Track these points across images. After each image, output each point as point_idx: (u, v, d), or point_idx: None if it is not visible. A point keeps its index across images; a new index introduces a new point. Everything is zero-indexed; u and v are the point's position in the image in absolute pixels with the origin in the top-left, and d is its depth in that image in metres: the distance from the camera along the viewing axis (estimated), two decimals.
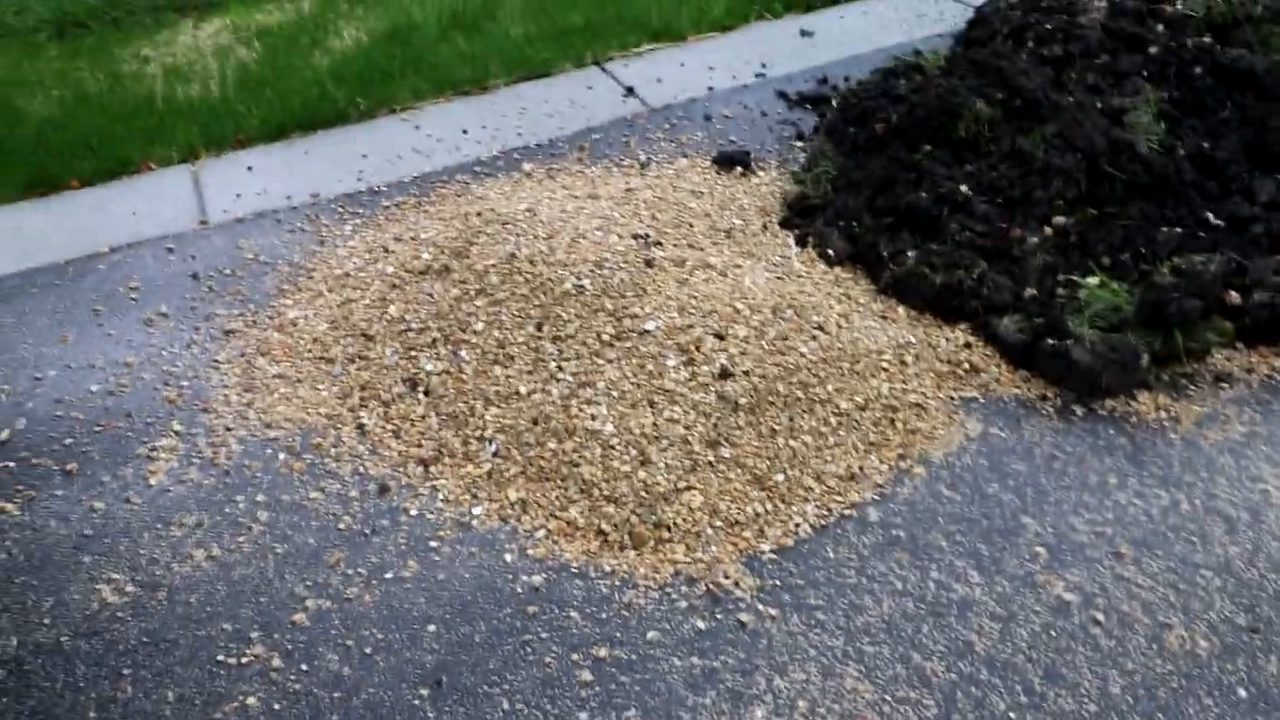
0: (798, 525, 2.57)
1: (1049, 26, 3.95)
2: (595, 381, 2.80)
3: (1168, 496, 2.62)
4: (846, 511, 2.61)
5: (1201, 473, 2.68)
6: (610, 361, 2.84)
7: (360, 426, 2.94)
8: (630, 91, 4.70)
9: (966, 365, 3.02)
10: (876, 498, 2.65)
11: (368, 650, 2.35)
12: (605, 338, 2.89)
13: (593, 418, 2.73)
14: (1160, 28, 3.90)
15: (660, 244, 3.28)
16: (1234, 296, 3.10)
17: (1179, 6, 3.94)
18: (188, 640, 2.41)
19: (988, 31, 4.13)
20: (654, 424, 2.70)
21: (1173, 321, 2.98)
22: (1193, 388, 2.95)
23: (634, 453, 2.66)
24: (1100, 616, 2.33)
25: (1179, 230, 3.29)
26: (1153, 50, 3.75)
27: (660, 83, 4.75)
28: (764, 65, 4.82)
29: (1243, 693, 2.15)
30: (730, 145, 4.17)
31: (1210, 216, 3.33)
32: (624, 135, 4.32)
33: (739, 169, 3.97)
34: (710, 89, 4.66)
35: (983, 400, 2.94)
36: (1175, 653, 2.24)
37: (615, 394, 2.77)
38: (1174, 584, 2.39)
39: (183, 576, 2.56)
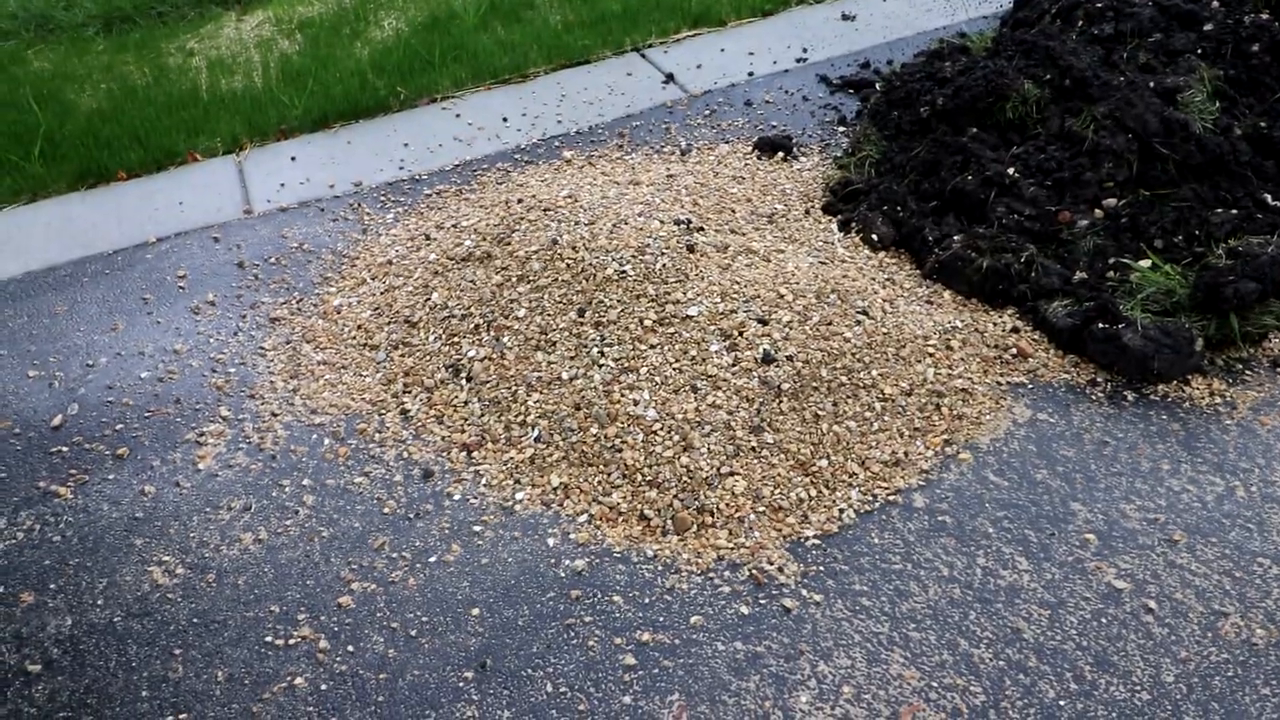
0: (842, 511, 2.55)
1: (1099, 5, 3.86)
2: (638, 367, 2.80)
3: (1223, 483, 2.55)
4: (891, 497, 2.58)
5: (1258, 459, 2.61)
6: (653, 347, 2.83)
7: (404, 412, 2.96)
8: (670, 78, 4.68)
9: (1014, 350, 2.97)
10: (922, 483, 2.62)
11: (413, 633, 2.37)
12: (648, 323, 2.88)
13: (635, 403, 2.73)
14: (1215, 4, 3.79)
15: (702, 229, 3.26)
16: None
17: None
18: (236, 621, 2.44)
19: (1035, 12, 4.04)
20: (696, 409, 2.69)
21: (1228, 305, 2.91)
22: (1249, 373, 2.87)
23: (676, 438, 2.65)
24: (1153, 604, 2.28)
25: (1235, 212, 3.21)
26: (1208, 28, 3.65)
27: (700, 69, 4.72)
28: (805, 50, 4.77)
29: None
30: (771, 130, 4.14)
31: (1268, 198, 3.24)
32: (664, 121, 4.30)
33: (781, 154, 3.93)
34: (750, 74, 4.62)
35: (1031, 385, 2.88)
36: (1231, 641, 2.19)
37: (658, 379, 2.76)
38: (1229, 571, 2.34)
39: (231, 559, 2.60)
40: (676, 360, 2.79)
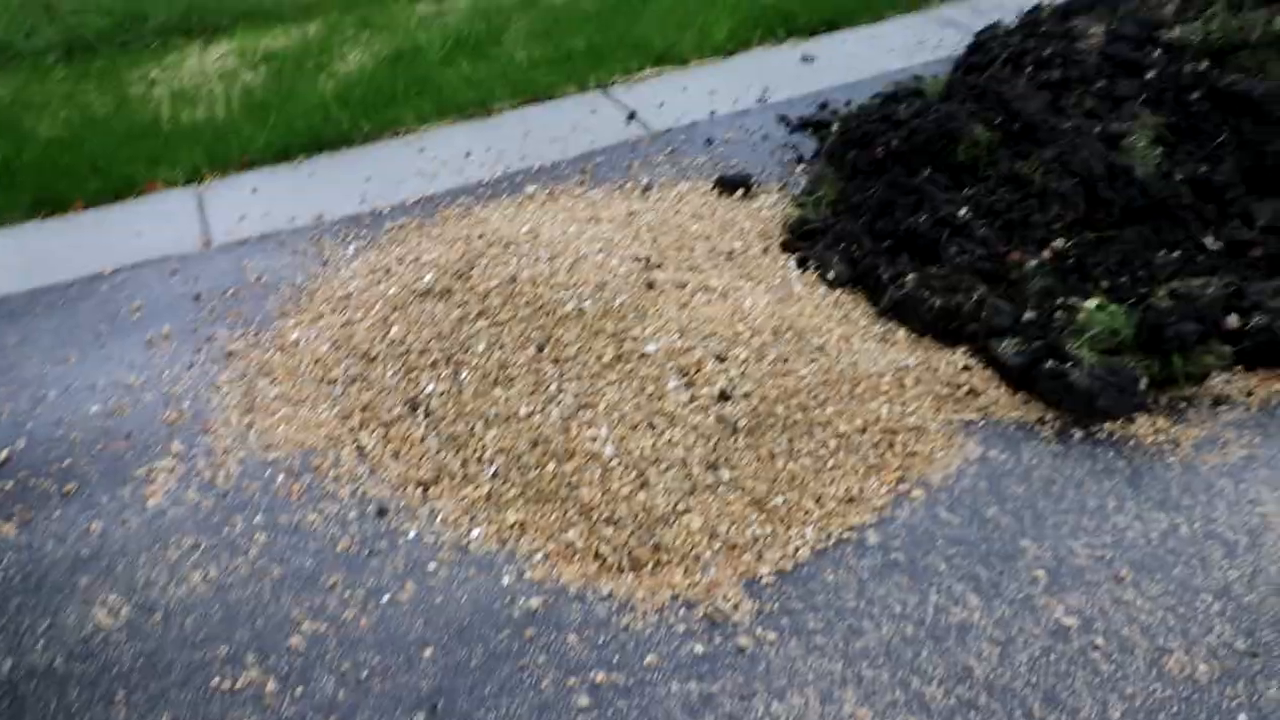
0: (797, 548, 2.56)
1: (1047, 52, 3.99)
2: (596, 403, 2.81)
3: (1166, 520, 2.61)
4: (845, 534, 2.61)
5: (1200, 496, 2.67)
6: (611, 383, 2.85)
7: (360, 448, 2.95)
8: (633, 115, 4.73)
9: (966, 388, 3.02)
10: (876, 520, 2.65)
11: (363, 675, 2.35)
12: (606, 360, 2.90)
13: (593, 439, 2.74)
14: (1157, 53, 3.93)
15: (661, 266, 3.29)
16: (1232, 320, 3.10)
17: (1176, 32, 3.97)
18: (183, 663, 2.40)
19: (987, 57, 4.16)
20: (654, 446, 2.70)
21: (1170, 345, 2.99)
22: (1191, 411, 2.95)
23: (633, 475, 2.66)
24: (1100, 640, 2.32)
25: (1176, 254, 3.30)
26: (1150, 75, 3.78)
27: (662, 107, 4.79)
28: (766, 90, 4.86)
29: (1244, 717, 2.13)
30: (732, 169, 4.20)
31: (1208, 241, 3.34)
32: (626, 159, 4.35)
33: (740, 192, 3.99)
34: (712, 113, 4.69)
35: (982, 423, 2.93)
36: (1175, 677, 2.23)
37: (615, 416, 2.77)
38: (1173, 608, 2.38)
39: (179, 599, 2.55)
40: (634, 397, 2.81)
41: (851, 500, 2.68)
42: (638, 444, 2.71)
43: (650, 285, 3.12)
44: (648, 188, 4.07)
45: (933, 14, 5.44)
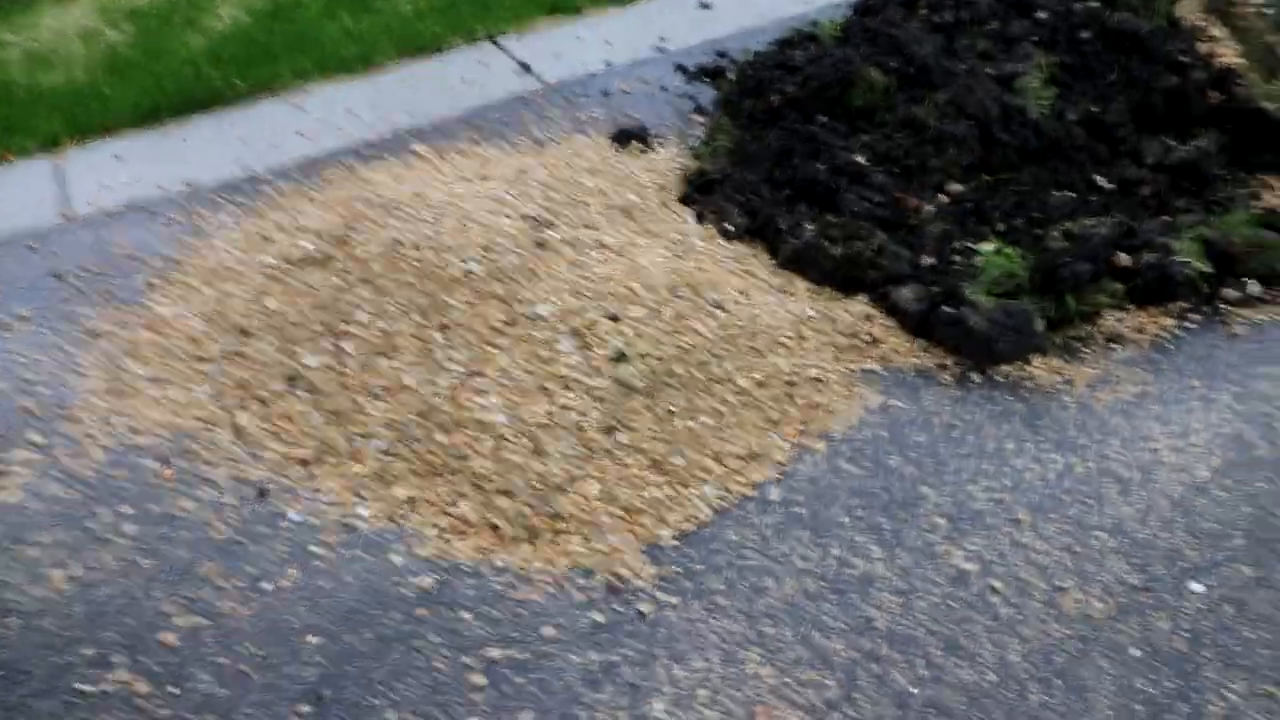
0: (698, 509, 2.50)
1: None
2: (485, 370, 2.68)
3: (1063, 460, 2.62)
4: (748, 492, 2.55)
5: (1095, 435, 2.69)
6: (501, 349, 2.73)
7: (237, 428, 2.77)
8: (525, 68, 4.55)
9: (866, 337, 2.99)
10: (778, 476, 2.60)
11: (243, 668, 2.21)
12: (495, 324, 2.77)
13: (483, 408, 2.62)
14: None
15: (553, 225, 3.16)
16: (1124, 258, 3.12)
17: None
18: (43, 670, 2.22)
19: (882, 0, 4.09)
20: (548, 412, 2.60)
21: (1065, 286, 2.99)
22: (1085, 350, 2.96)
23: (527, 443, 2.55)
24: (998, 584, 2.32)
25: (1071, 194, 3.31)
26: (1042, 15, 3.77)
27: (557, 58, 4.61)
28: (662, 39, 4.71)
29: (1136, 652, 2.15)
30: (629, 121, 4.06)
31: (1100, 180, 3.35)
32: (519, 113, 4.17)
33: (637, 145, 3.86)
34: (608, 64, 4.53)
35: (883, 372, 2.90)
36: (1071, 616, 2.24)
37: (506, 383, 2.65)
38: (1069, 547, 2.39)
39: (38, 600, 2.37)
40: (526, 362, 2.69)
41: (753, 457, 2.62)
42: (531, 411, 2.60)
43: (541, 245, 2.99)
44: (541, 143, 3.91)
45: None
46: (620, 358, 2.70)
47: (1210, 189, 3.32)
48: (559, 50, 4.66)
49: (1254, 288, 3.08)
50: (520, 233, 3.05)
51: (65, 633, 2.29)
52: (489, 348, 2.74)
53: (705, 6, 4.98)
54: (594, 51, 4.64)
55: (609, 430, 2.58)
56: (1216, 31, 3.85)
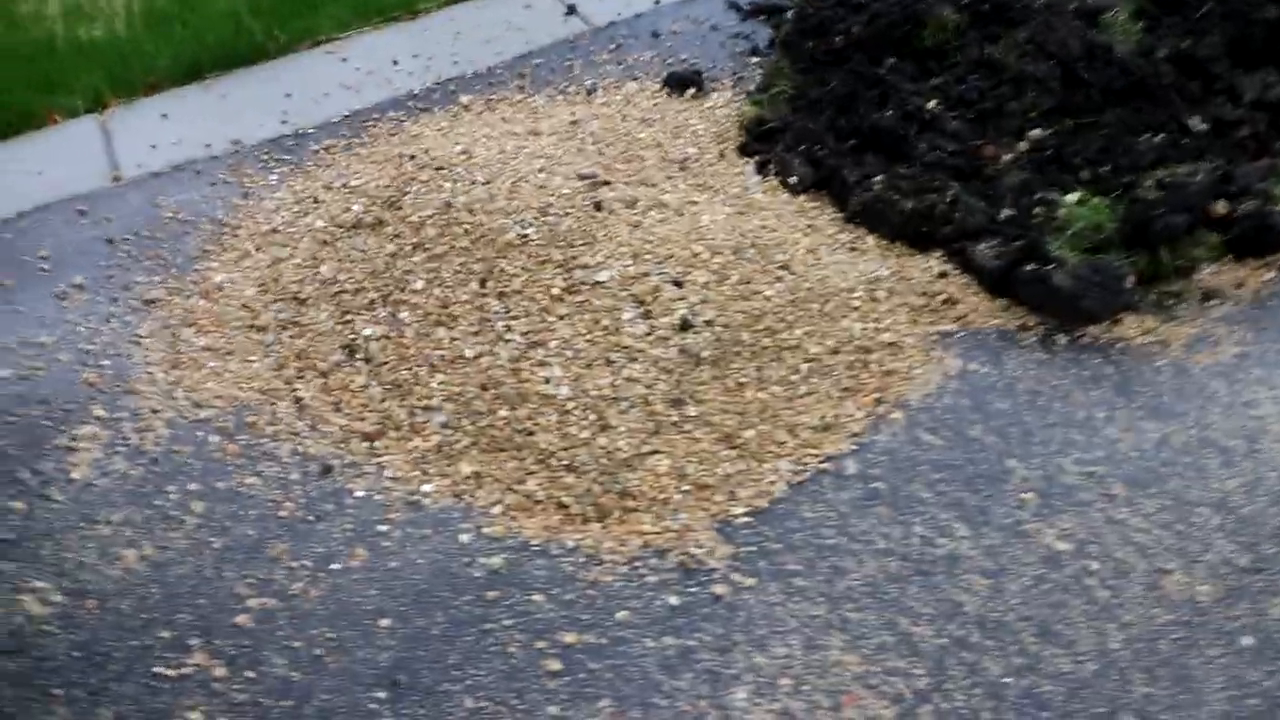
0: (772, 484, 2.41)
1: None
2: (547, 341, 2.59)
3: (1159, 429, 2.48)
4: (823, 465, 2.45)
5: (1194, 401, 2.54)
6: (562, 318, 2.63)
7: (298, 400, 2.72)
8: (572, 9, 4.36)
9: (942, 297, 2.84)
10: (854, 448, 2.49)
11: (318, 652, 2.19)
12: (555, 292, 2.67)
13: (546, 380, 2.53)
14: None
15: (609, 183, 3.03)
16: (1220, 207, 2.92)
17: None
18: (122, 652, 2.22)
19: None
20: (612, 384, 2.51)
21: (1158, 239, 2.81)
22: (1180, 307, 2.79)
23: (592, 417, 2.47)
24: (1095, 565, 2.21)
25: (1159, 138, 3.09)
26: None
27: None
28: None
29: (1248, 640, 2.04)
30: (681, 64, 3.88)
31: (1193, 122, 3.13)
32: (567, 59, 4.01)
33: (691, 91, 3.69)
34: (657, 2, 4.33)
35: (961, 334, 2.76)
36: (1175, 601, 2.13)
37: (569, 353, 2.56)
38: (1170, 525, 2.27)
39: (114, 581, 2.36)
40: (588, 331, 2.60)
41: (827, 428, 2.51)
42: (595, 383, 2.51)
43: (598, 206, 2.87)
44: (591, 90, 3.76)
45: None
46: (686, 326, 2.60)
47: None
48: None
49: None
50: (576, 192, 2.93)
51: (142, 615, 2.28)
52: (549, 316, 2.64)
53: None
54: None
55: (677, 403, 2.49)
56: None
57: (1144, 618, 2.10)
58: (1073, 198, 2.96)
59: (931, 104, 3.20)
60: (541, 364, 2.56)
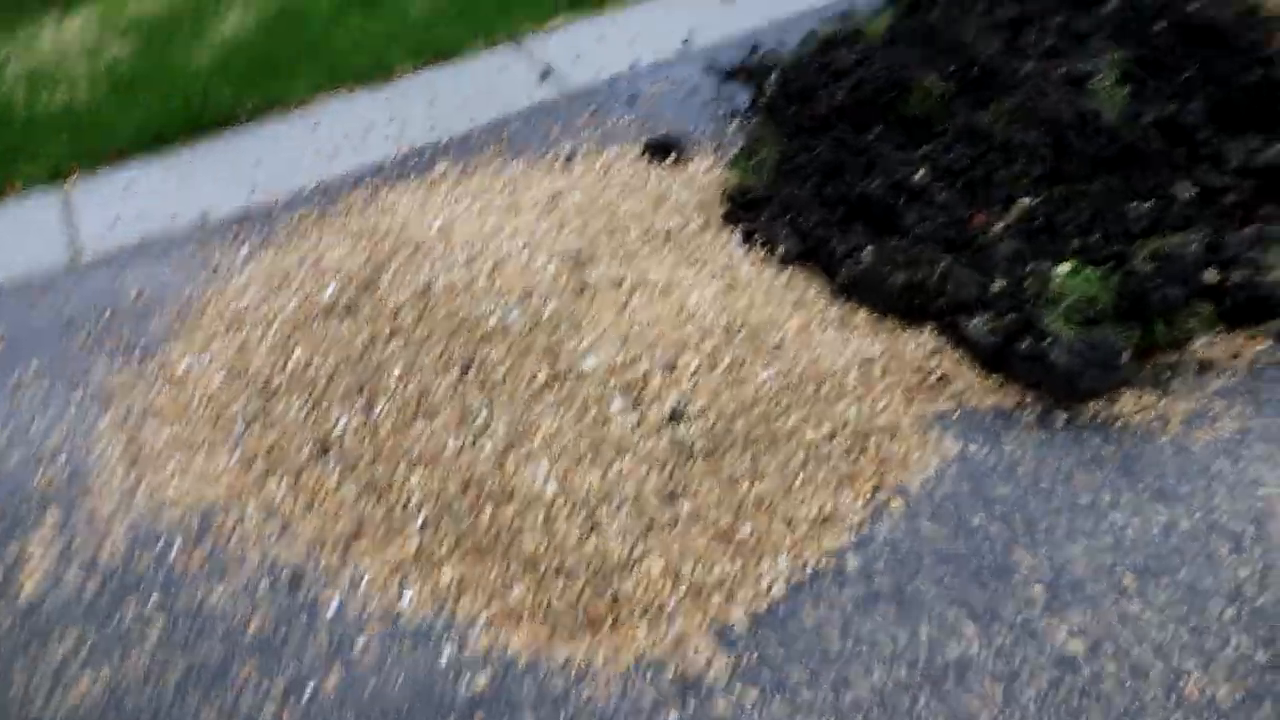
0: (771, 584, 2.30)
1: None
2: (532, 434, 2.48)
3: (1166, 513, 2.40)
4: (824, 561, 2.34)
5: (1198, 481, 2.46)
6: (547, 409, 2.52)
7: (267, 501, 2.58)
8: (547, 72, 4.31)
9: (937, 374, 2.76)
10: (854, 541, 2.39)
11: None
12: (540, 381, 2.56)
13: (532, 478, 2.42)
14: None
15: (593, 260, 2.94)
16: (1210, 275, 2.87)
17: None
18: None
19: None
20: (602, 480, 2.39)
21: (1155, 311, 2.75)
22: (1177, 381, 2.72)
23: (582, 516, 2.35)
24: (1111, 666, 2.11)
25: (1149, 205, 3.05)
26: (1111, 6, 3.48)
27: (580, 60, 4.36)
28: (689, 33, 4.45)
29: None
30: (661, 129, 3.82)
31: (1180, 189, 3.08)
32: (544, 123, 3.94)
33: (673, 156, 3.62)
34: (633, 64, 4.28)
35: (957, 413, 2.68)
36: (1196, 704, 2.03)
37: (556, 448, 2.45)
38: (1184, 618, 2.18)
39: (67, 711, 2.20)
40: (575, 424, 2.49)
41: (826, 520, 2.41)
42: (584, 480, 2.39)
43: (583, 287, 2.77)
44: (570, 158, 3.68)
45: None
46: (677, 416, 2.49)
47: None
48: (581, 50, 4.41)
49: None
50: (560, 272, 2.83)
51: None
52: (534, 408, 2.53)
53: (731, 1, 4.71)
54: (618, 51, 4.39)
55: (670, 498, 2.38)
56: None
57: None
58: (1065, 268, 2.90)
59: (920, 173, 3.14)
60: (527, 459, 2.44)
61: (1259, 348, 2.79)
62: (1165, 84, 3.27)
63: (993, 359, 2.79)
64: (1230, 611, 2.19)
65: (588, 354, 2.59)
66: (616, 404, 2.50)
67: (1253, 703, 2.02)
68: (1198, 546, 2.32)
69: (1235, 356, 2.78)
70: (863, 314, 2.93)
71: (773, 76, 3.89)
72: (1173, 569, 2.28)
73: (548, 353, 2.60)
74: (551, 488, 2.39)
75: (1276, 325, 2.82)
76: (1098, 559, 2.31)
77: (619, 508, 2.35)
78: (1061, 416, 2.66)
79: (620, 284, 2.83)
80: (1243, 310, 2.84)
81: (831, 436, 2.56)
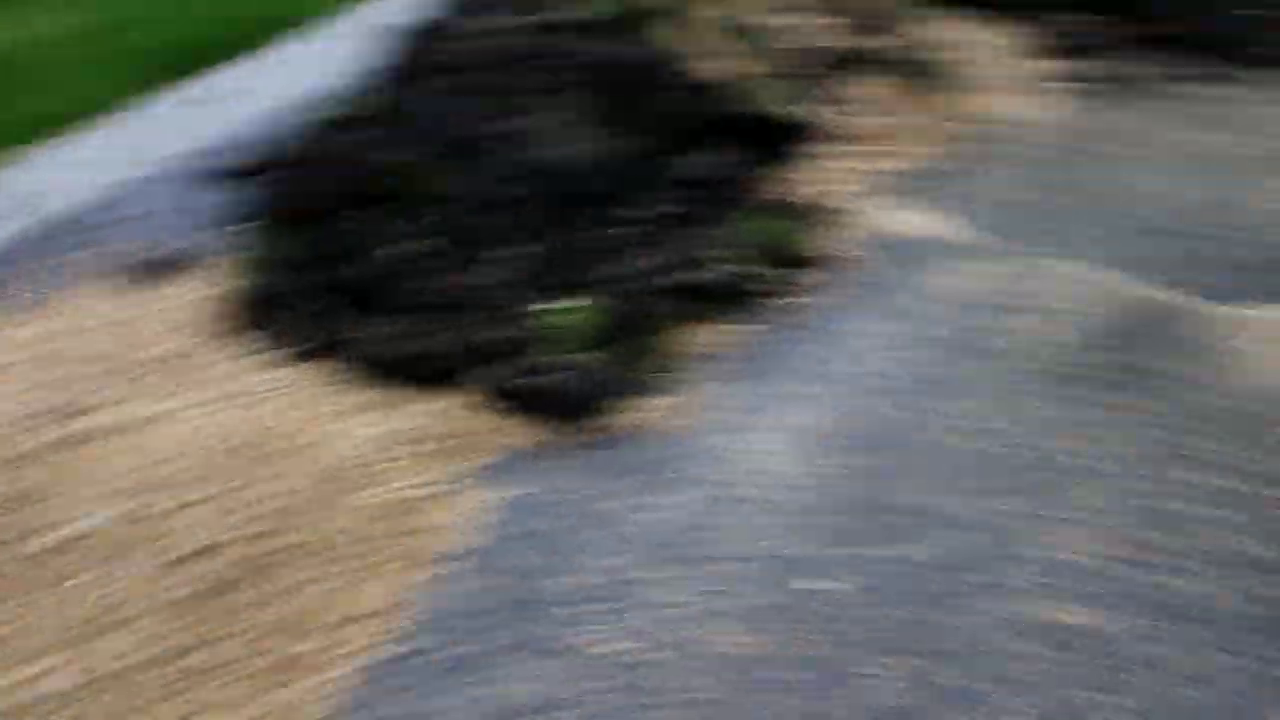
0: (323, 695, 2.22)
1: (455, 53, 3.91)
2: (29, 633, 2.20)
3: (685, 497, 2.66)
4: (383, 652, 2.32)
5: (706, 466, 2.76)
6: (45, 589, 2.25)
7: None
8: (21, 204, 3.89)
9: (461, 433, 2.86)
10: (407, 624, 2.38)
11: None
12: (27, 559, 2.28)
13: (34, 678, 2.14)
14: (551, 36, 4.02)
15: (85, 412, 2.69)
16: (682, 278, 3.28)
17: (560, 14, 4.10)
18: None
19: (397, 71, 3.99)
20: (120, 654, 2.18)
21: (641, 327, 3.09)
22: (675, 382, 3.05)
23: (107, 702, 2.13)
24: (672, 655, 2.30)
25: (616, 230, 3.41)
26: (549, 60, 3.85)
27: (44, 195, 3.99)
28: (167, 144, 4.27)
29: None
30: (154, 249, 3.59)
31: (641, 210, 3.50)
32: (20, 262, 3.56)
33: (166, 278, 3.43)
34: (106, 187, 4.01)
35: (486, 464, 2.78)
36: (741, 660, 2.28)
37: (65, 631, 2.19)
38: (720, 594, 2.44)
39: None
40: (82, 598, 2.25)
41: (375, 614, 2.39)
42: (101, 661, 2.17)
43: (76, 441, 2.52)
44: (43, 301, 3.34)
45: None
46: (196, 554, 2.35)
47: (735, 195, 3.60)
48: (39, 183, 4.04)
49: (794, 275, 3.40)
50: (47, 429, 2.55)
51: None
52: (27, 596, 2.25)
53: (199, 103, 4.59)
54: (100, 172, 4.08)
55: (185, 653, 2.20)
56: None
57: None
58: (559, 305, 3.16)
59: (416, 245, 3.26)
60: (26, 661, 2.16)
61: (738, 334, 3.23)
62: (606, 121, 3.69)
63: (507, 404, 2.95)
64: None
65: (84, 516, 2.36)
66: (119, 566, 2.30)
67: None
68: (721, 520, 2.61)
69: (722, 345, 3.20)
70: (381, 394, 2.96)
71: (268, 174, 3.84)
72: (707, 546, 2.54)
73: (33, 528, 2.33)
74: (67, 683, 2.14)
75: (743, 313, 3.30)
76: (615, 563, 2.50)
77: (137, 679, 2.16)
78: (578, 440, 2.87)
79: (116, 430, 2.61)
80: (713, 304, 3.28)
81: (371, 523, 2.55)
